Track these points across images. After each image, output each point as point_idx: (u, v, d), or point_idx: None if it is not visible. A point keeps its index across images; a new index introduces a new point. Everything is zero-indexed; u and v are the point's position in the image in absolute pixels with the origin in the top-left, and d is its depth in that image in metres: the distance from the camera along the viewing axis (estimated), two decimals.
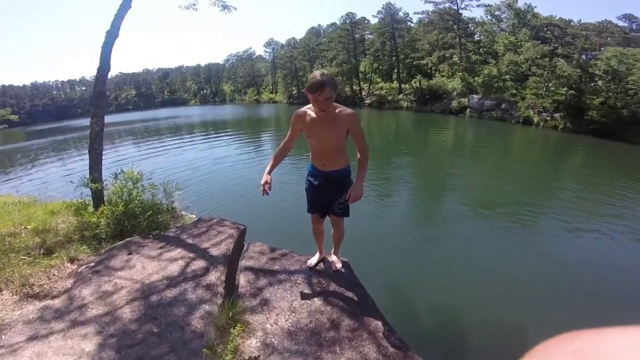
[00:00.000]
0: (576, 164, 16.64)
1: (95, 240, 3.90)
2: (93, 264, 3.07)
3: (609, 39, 28.52)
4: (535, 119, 25.70)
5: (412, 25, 39.10)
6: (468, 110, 28.87)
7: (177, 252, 2.85)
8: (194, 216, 5.15)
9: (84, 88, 75.48)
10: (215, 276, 2.47)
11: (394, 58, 38.08)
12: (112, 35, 4.29)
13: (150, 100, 73.32)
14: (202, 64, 73.01)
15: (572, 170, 15.16)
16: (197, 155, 15.67)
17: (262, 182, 2.16)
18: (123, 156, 16.04)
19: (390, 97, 36.00)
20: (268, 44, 54.17)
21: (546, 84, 26.29)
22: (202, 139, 21.13)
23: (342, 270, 2.55)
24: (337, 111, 2.06)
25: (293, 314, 2.11)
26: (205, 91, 70.99)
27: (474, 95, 28.87)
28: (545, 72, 26.54)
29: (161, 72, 79.75)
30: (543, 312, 4.70)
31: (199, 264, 2.66)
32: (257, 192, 9.14)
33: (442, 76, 33.57)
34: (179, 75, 76.82)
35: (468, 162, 15.48)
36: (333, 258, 2.62)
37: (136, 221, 4.00)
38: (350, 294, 2.28)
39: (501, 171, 13.97)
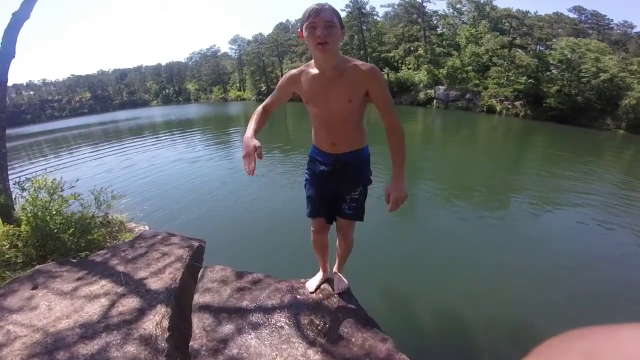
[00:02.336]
0: (538, 149, 17.30)
1: (1, 269, 2.96)
2: None
3: (560, 30, 30.03)
4: (498, 108, 26.59)
5: (379, 18, 39.37)
6: (435, 101, 29.38)
7: (101, 285, 1.98)
8: (146, 228, 4.26)
9: (32, 92, 69.83)
10: (153, 322, 1.64)
11: (362, 52, 38.00)
12: (20, 17, 3.63)
13: (107, 102, 68.54)
14: (163, 63, 69.65)
15: (536, 155, 15.72)
16: (159, 156, 14.04)
17: (247, 151, 1.37)
18: (75, 162, 14.35)
19: None
20: (234, 40, 52.24)
21: (506, 73, 27.22)
22: (166, 139, 19.22)
23: (346, 293, 1.84)
24: (350, 64, 1.44)
25: None
26: (167, 91, 67.71)
27: (440, 87, 29.39)
28: (505, 62, 27.51)
29: (118, 73, 74.59)
30: (531, 295, 4.61)
31: (131, 302, 1.80)
32: (221, 196, 7.94)
33: (409, 69, 33.90)
34: (138, 76, 72.46)
35: (438, 151, 15.47)
36: (336, 277, 1.94)
37: (59, 242, 3.04)
38: (361, 339, 1.52)
39: (470, 158, 14.03)
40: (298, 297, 1.84)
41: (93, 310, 1.83)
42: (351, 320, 1.62)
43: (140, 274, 2.04)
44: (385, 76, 34.08)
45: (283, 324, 1.63)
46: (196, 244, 2.41)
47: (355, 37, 37.96)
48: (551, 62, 26.08)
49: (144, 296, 1.83)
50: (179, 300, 1.83)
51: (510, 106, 26.29)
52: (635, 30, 34.04)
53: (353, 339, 1.51)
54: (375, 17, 38.77)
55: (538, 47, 28.39)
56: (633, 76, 24.10)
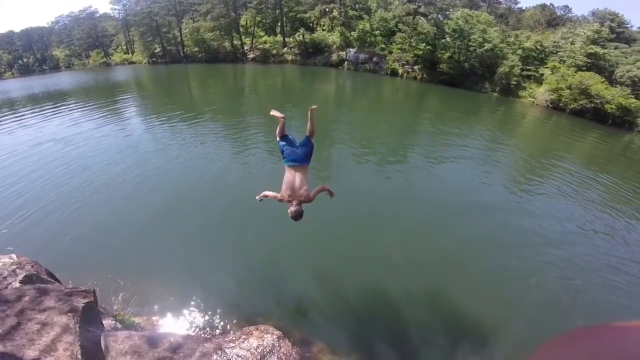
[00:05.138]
0: (433, 109, 19.68)
1: None
2: None
3: (457, 1, 32.77)
4: (400, 71, 28.39)
5: None
6: (346, 63, 30.11)
7: None
8: (13, 258, 3.35)
9: None
10: None
11: (277, 11, 36.52)
12: None
13: None
14: (17, 30, 57.99)
15: (430, 114, 17.98)
16: (17, 142, 10.79)
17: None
18: None
19: (274, 51, 34.84)
20: (117, 0, 45.53)
21: (409, 39, 28.97)
22: (25, 119, 14.68)
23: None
24: None
25: None
26: (26, 60, 56.75)
27: (351, 49, 30.12)
28: (409, 29, 29.20)
29: None
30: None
31: None
32: (111, 189, 7.41)
33: (324, 30, 33.91)
34: None
35: (349, 113, 16.40)
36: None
37: None
38: None
39: (377, 119, 15.32)
40: None
41: None
42: None
43: (28, 353, 1.53)
44: (301, 37, 33.67)
45: None
46: (81, 302, 1.85)
47: None
48: (447, 30, 28.50)
49: None
50: None
51: (410, 70, 28.35)
52: (518, 5, 39.13)
53: None
54: None
55: (438, 15, 30.63)
56: (509, 47, 27.87)
